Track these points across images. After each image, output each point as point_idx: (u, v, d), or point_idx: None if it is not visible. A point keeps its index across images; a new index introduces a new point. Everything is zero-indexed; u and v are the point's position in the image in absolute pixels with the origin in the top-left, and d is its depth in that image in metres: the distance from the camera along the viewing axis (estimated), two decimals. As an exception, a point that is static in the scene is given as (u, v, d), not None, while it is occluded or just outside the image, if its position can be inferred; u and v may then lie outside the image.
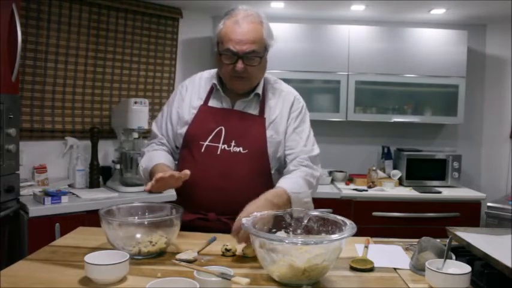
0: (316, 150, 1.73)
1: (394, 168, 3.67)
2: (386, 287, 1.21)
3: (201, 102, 1.69)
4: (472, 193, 3.41)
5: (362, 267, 1.31)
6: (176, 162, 1.75)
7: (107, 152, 3.35)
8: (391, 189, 3.42)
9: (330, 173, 3.64)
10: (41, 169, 2.99)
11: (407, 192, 3.38)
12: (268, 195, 1.47)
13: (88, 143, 3.13)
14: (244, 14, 1.57)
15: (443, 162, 3.55)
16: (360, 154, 3.89)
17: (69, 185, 3.05)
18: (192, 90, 1.73)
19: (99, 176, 3.11)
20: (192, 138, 1.65)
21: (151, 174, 1.61)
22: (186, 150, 1.68)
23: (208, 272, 1.11)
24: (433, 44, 3.52)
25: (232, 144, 1.61)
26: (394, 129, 3.86)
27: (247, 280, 1.07)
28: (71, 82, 3.16)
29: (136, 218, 1.47)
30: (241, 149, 1.61)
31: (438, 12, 3.48)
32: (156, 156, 1.67)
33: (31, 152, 2.97)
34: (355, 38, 3.51)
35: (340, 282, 1.22)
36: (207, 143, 1.62)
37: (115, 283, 1.15)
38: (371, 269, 1.31)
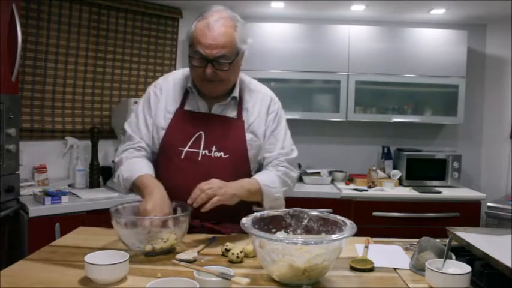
0: (295, 153, 1.72)
1: (394, 168, 3.67)
2: (386, 287, 1.21)
3: (177, 106, 1.64)
4: (472, 193, 3.41)
5: (362, 267, 1.31)
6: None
7: (107, 152, 3.35)
8: (391, 189, 3.41)
9: (330, 173, 3.64)
10: (41, 169, 2.98)
11: (407, 192, 3.38)
12: (241, 181, 1.54)
13: (88, 143, 3.13)
14: (217, 17, 1.51)
15: (443, 162, 3.55)
16: (360, 154, 3.88)
17: (69, 185, 3.05)
18: (167, 93, 1.66)
19: (99, 176, 3.11)
20: (170, 145, 1.61)
21: (135, 185, 1.54)
22: (164, 156, 1.62)
23: (208, 272, 1.11)
24: (433, 44, 3.52)
25: (213, 149, 1.59)
26: (394, 129, 3.86)
27: (247, 280, 1.07)
28: (71, 82, 3.16)
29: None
30: (222, 153, 1.59)
31: (438, 12, 3.48)
32: (139, 165, 1.59)
33: (31, 152, 2.97)
34: (355, 38, 3.51)
35: (340, 282, 1.22)
36: (187, 148, 1.59)
37: (115, 283, 1.15)
38: (371, 269, 1.31)
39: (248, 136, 1.63)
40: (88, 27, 3.18)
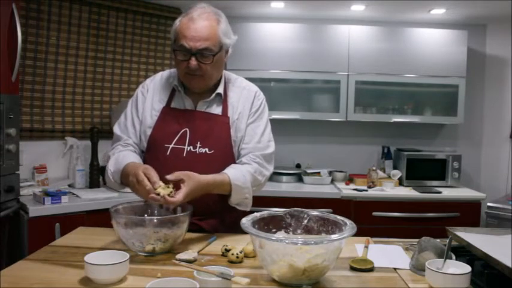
0: (271, 148, 1.70)
1: (394, 168, 3.67)
2: (386, 287, 1.21)
3: (163, 105, 1.67)
4: (472, 193, 3.41)
5: (362, 267, 1.31)
6: None
7: (107, 152, 3.34)
8: (391, 189, 3.41)
9: (330, 173, 3.64)
10: (41, 169, 2.98)
11: (407, 192, 3.38)
12: (211, 183, 1.50)
13: (88, 143, 3.13)
14: (200, 12, 1.56)
15: (443, 162, 3.55)
16: (360, 154, 3.88)
17: (69, 185, 3.05)
18: (154, 92, 1.70)
19: (99, 176, 3.11)
20: (156, 142, 1.63)
21: (123, 175, 1.54)
22: (150, 153, 1.65)
23: (208, 272, 1.11)
24: (433, 44, 3.52)
25: (198, 145, 1.61)
26: (394, 129, 3.86)
27: (247, 280, 1.07)
28: (71, 82, 3.16)
29: (146, 216, 1.48)
30: (207, 149, 1.60)
31: (438, 12, 3.48)
32: (125, 157, 1.59)
33: (31, 152, 2.97)
34: (355, 38, 3.51)
35: (340, 282, 1.22)
36: (172, 145, 1.61)
37: (115, 283, 1.15)
38: (371, 269, 1.31)
39: (233, 132, 1.64)
40: (88, 27, 3.18)
